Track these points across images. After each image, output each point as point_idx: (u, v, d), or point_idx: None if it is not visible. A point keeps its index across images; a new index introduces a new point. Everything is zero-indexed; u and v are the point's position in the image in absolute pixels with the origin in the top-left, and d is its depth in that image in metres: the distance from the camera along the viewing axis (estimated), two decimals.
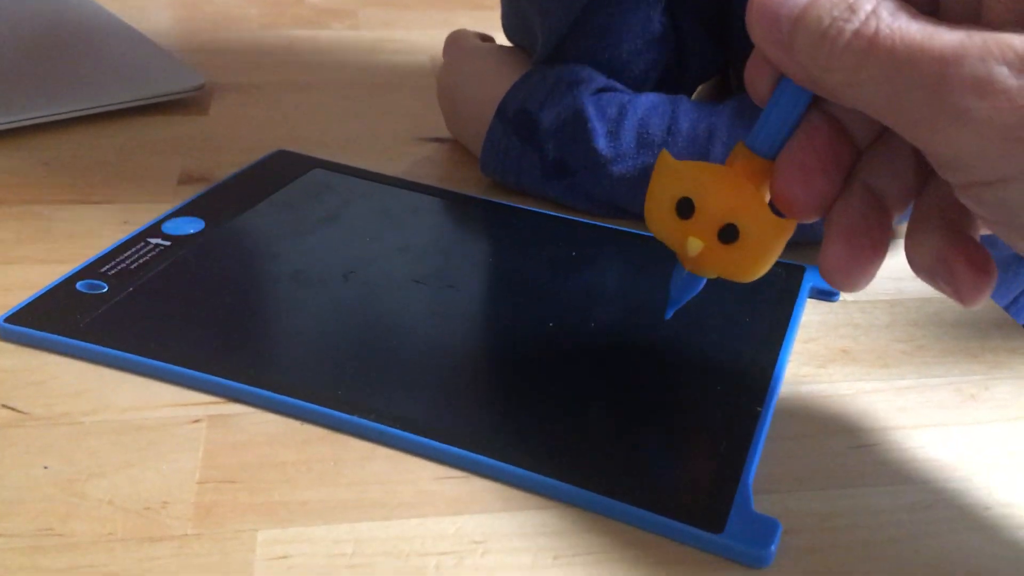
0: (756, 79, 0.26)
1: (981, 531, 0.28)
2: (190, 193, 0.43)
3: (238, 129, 0.52)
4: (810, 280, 0.39)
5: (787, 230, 0.27)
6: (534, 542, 0.27)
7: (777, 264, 0.39)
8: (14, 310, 0.34)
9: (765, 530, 0.27)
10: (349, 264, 0.38)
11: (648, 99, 0.43)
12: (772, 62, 0.25)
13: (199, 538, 0.26)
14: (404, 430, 0.29)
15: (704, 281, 0.30)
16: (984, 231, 0.26)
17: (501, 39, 0.52)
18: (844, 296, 0.39)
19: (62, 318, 0.33)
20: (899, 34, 0.22)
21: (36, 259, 0.39)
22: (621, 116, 0.42)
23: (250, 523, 0.27)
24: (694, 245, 0.28)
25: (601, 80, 0.44)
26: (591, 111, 0.42)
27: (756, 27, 0.24)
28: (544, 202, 0.44)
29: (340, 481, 0.29)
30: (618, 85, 0.44)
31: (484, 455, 0.29)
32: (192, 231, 0.39)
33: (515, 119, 0.44)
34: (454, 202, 0.44)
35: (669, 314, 0.31)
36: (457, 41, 0.52)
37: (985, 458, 0.31)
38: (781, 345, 0.35)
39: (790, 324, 0.36)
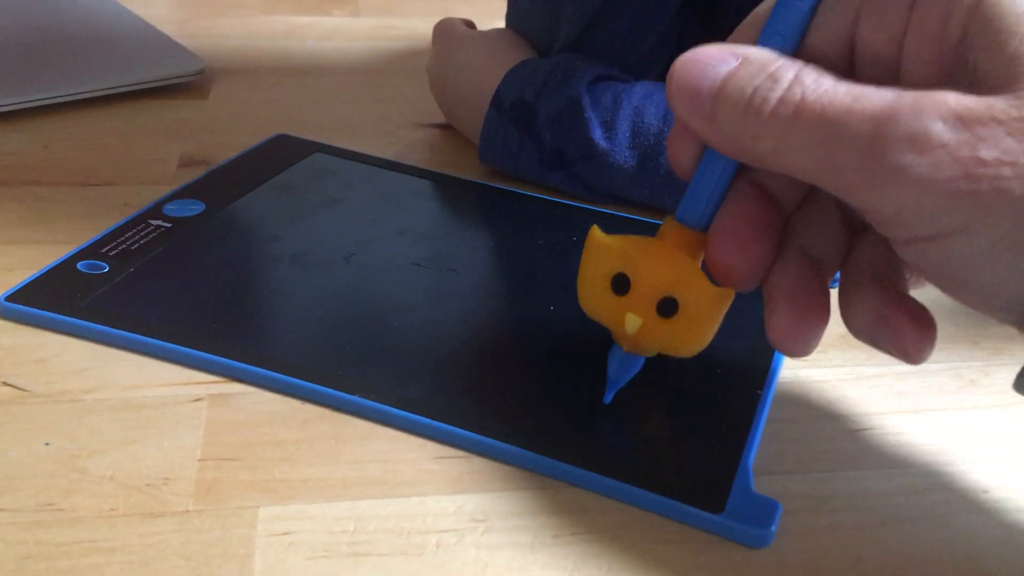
0: (679, 152, 0.26)
1: (978, 514, 0.28)
2: (190, 176, 0.43)
3: (238, 113, 0.52)
4: None
5: (727, 299, 0.27)
6: (534, 520, 0.27)
7: None
8: (15, 289, 0.34)
9: (765, 511, 0.27)
10: (350, 247, 0.38)
11: (643, 88, 0.43)
12: (697, 134, 0.25)
13: (200, 514, 0.26)
14: (404, 410, 0.30)
15: (643, 360, 0.30)
16: (914, 286, 0.27)
17: (485, 26, 0.52)
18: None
19: (63, 297, 0.34)
20: (826, 98, 0.22)
21: (37, 240, 0.39)
22: (616, 106, 0.42)
23: (251, 500, 0.27)
24: (632, 322, 0.28)
25: (597, 68, 0.44)
26: (586, 101, 0.42)
27: (677, 101, 0.24)
28: (544, 188, 0.45)
29: (340, 460, 0.29)
30: (615, 72, 0.44)
31: (484, 435, 0.29)
32: (193, 213, 0.39)
33: (512, 109, 0.44)
34: (454, 186, 0.44)
35: (608, 398, 0.30)
36: (446, 30, 0.52)
37: (983, 443, 0.31)
38: None
39: None
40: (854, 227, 0.27)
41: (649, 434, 0.30)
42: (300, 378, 0.31)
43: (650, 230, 0.42)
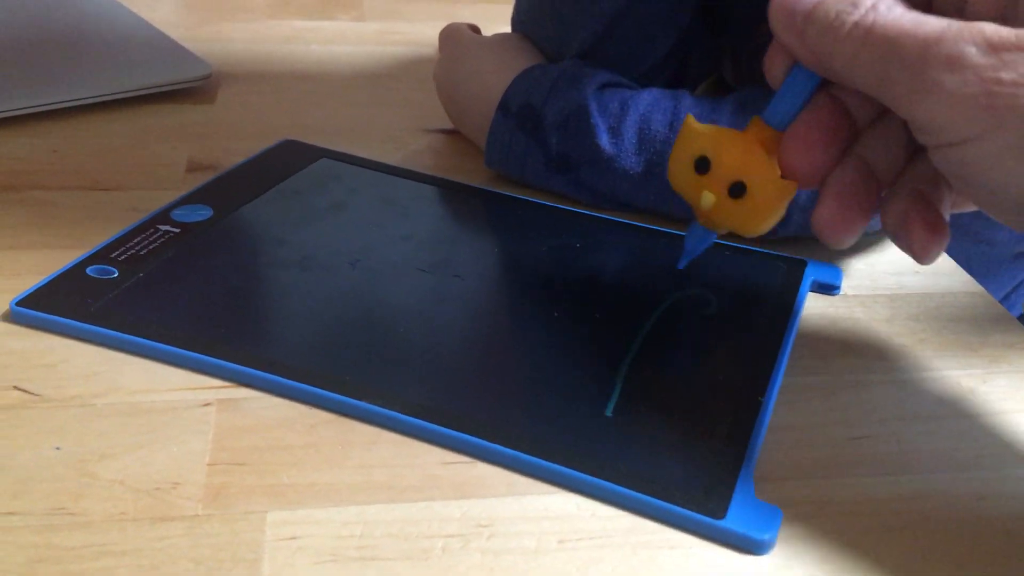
0: (773, 64, 0.30)
1: (977, 522, 0.29)
2: (198, 181, 0.43)
3: (245, 118, 0.52)
4: (812, 274, 0.39)
5: (789, 190, 0.30)
6: (539, 526, 0.27)
7: (779, 258, 0.40)
8: (26, 294, 0.34)
9: (766, 517, 0.27)
10: (356, 252, 0.38)
11: (650, 95, 0.43)
12: (788, 49, 0.29)
13: (209, 519, 0.27)
14: (410, 415, 0.30)
15: (715, 236, 0.33)
16: (950, 208, 0.31)
17: (490, 31, 0.52)
18: (845, 290, 0.40)
19: (73, 302, 0.34)
20: (893, 22, 0.26)
21: (46, 244, 0.39)
22: (623, 113, 0.42)
23: (259, 504, 0.27)
24: (707, 199, 0.31)
25: (604, 75, 0.44)
26: (593, 107, 0.43)
27: (775, 19, 0.29)
28: (549, 194, 0.45)
29: (347, 464, 0.29)
30: (623, 79, 0.45)
31: (489, 440, 0.29)
32: (201, 218, 0.40)
33: (519, 113, 0.44)
34: (459, 192, 0.45)
35: (683, 264, 0.34)
36: (452, 35, 0.52)
37: (982, 450, 0.31)
38: (783, 337, 0.35)
39: (792, 316, 0.36)
40: (914, 150, 0.30)
41: (652, 440, 0.30)
42: (307, 383, 0.31)
43: (654, 236, 0.42)
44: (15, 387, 0.31)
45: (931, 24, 0.26)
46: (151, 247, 0.37)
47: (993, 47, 0.25)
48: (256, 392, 0.32)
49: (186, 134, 0.49)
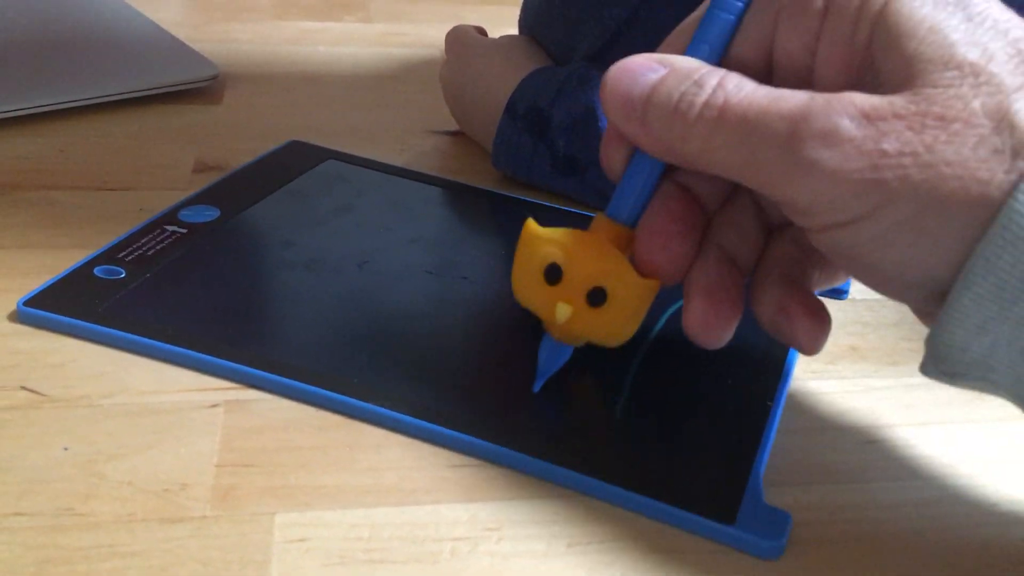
0: (612, 155, 0.29)
1: (987, 527, 0.29)
2: (204, 182, 0.43)
3: (251, 119, 0.52)
4: None
5: (652, 290, 0.29)
6: (548, 529, 0.27)
7: None
8: (33, 294, 0.34)
9: (776, 522, 0.27)
10: (363, 254, 0.38)
11: None
12: (628, 138, 0.27)
13: (218, 520, 0.27)
14: (419, 418, 0.30)
15: (571, 350, 0.31)
16: (819, 285, 0.30)
17: (497, 33, 0.52)
18: (853, 294, 0.40)
19: (80, 302, 0.34)
20: (747, 100, 0.24)
21: (52, 244, 0.39)
22: None
23: (268, 506, 0.27)
24: (563, 310, 0.29)
25: None
26: (600, 109, 0.43)
27: (611, 107, 0.27)
28: (556, 196, 0.45)
29: (356, 467, 0.29)
30: None
31: (498, 443, 0.29)
32: (208, 219, 0.40)
33: (526, 115, 0.44)
34: (466, 194, 0.45)
35: (538, 386, 0.31)
36: (459, 38, 0.52)
37: (992, 455, 0.31)
38: None
39: None
40: (769, 229, 0.30)
41: (661, 445, 0.30)
42: (315, 385, 0.31)
43: None
44: (23, 387, 0.31)
45: (792, 98, 0.24)
46: (158, 247, 0.37)
47: (868, 117, 0.23)
48: (264, 394, 0.31)
49: (192, 135, 0.49)
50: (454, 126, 0.52)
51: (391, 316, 0.35)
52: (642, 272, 0.29)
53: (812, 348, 0.28)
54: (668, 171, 0.28)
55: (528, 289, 0.30)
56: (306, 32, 0.67)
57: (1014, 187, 0.22)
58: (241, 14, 0.69)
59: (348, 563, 0.26)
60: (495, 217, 0.44)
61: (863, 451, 0.31)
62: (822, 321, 0.28)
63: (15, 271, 0.37)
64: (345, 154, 0.47)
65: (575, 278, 0.29)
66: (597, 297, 0.29)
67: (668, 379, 0.33)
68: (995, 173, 0.23)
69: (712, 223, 0.29)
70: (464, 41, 0.51)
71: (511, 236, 0.42)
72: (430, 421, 0.30)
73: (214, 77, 0.54)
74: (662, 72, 0.26)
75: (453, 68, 0.51)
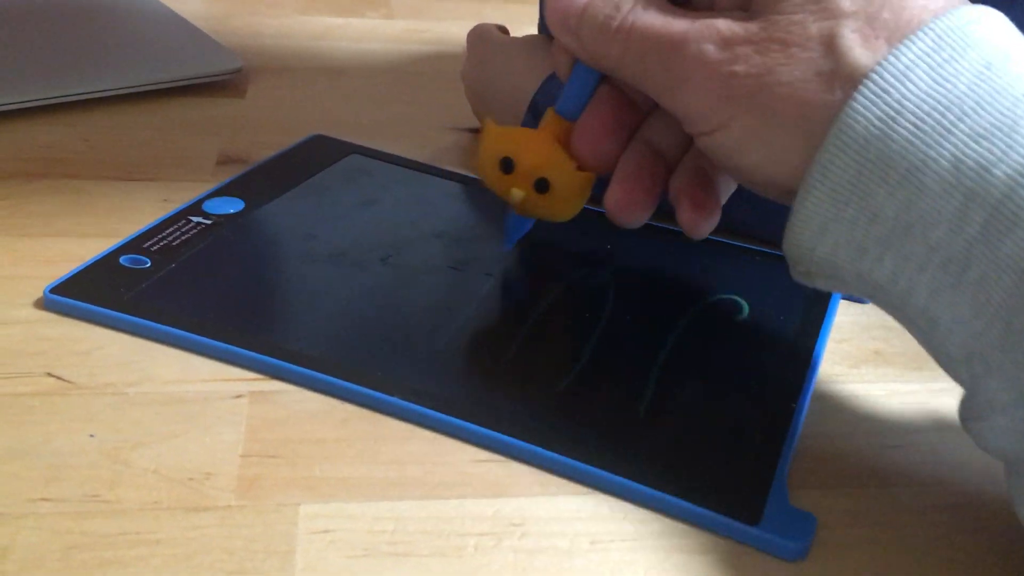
0: (558, 60, 0.33)
1: (1012, 532, 0.28)
2: (228, 174, 0.43)
3: (275, 113, 0.52)
4: None
5: (588, 180, 0.34)
6: (571, 527, 0.27)
7: None
8: (59, 281, 0.34)
9: (801, 524, 0.27)
10: (386, 248, 0.38)
11: None
12: (566, 48, 0.32)
13: (242, 509, 0.27)
14: (444, 412, 0.30)
15: (532, 222, 0.37)
16: (725, 183, 0.33)
17: (518, 32, 0.52)
18: None
19: (106, 291, 0.34)
20: (647, 25, 0.29)
21: (78, 233, 0.39)
22: None
23: (292, 497, 0.27)
24: (516, 195, 0.34)
25: None
26: None
27: (551, 21, 0.31)
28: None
29: (380, 459, 0.29)
30: None
31: (523, 439, 0.29)
32: (232, 210, 0.40)
33: None
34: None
35: (508, 246, 0.38)
36: (482, 36, 0.52)
37: None
38: (815, 344, 0.35)
39: (824, 324, 0.36)
40: None
41: (686, 445, 0.30)
42: (339, 377, 0.31)
43: (683, 239, 0.42)
44: (49, 374, 0.31)
45: (677, 24, 0.28)
46: (184, 238, 0.37)
47: (726, 42, 0.27)
48: (288, 385, 0.32)
49: (217, 127, 0.50)
50: (475, 123, 0.52)
51: (415, 310, 0.35)
52: (578, 164, 0.33)
53: (690, 231, 0.32)
54: (606, 76, 0.32)
55: (489, 176, 0.35)
56: (329, 28, 0.67)
57: (844, 105, 0.25)
58: (265, 9, 0.69)
59: (372, 555, 0.26)
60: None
61: (887, 455, 0.31)
62: (702, 211, 0.32)
63: (41, 259, 0.37)
64: (368, 148, 0.47)
65: (523, 169, 0.34)
66: (542, 185, 0.33)
67: (692, 379, 0.33)
68: (817, 94, 0.26)
69: (645, 121, 0.33)
70: (487, 40, 0.51)
71: (534, 234, 0.42)
72: (455, 416, 0.30)
73: (238, 70, 0.54)
74: None
75: (476, 66, 0.51)
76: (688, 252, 0.41)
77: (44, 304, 0.34)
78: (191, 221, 0.39)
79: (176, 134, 0.48)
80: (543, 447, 0.29)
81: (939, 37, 0.25)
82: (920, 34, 0.25)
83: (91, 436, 0.29)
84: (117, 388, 0.31)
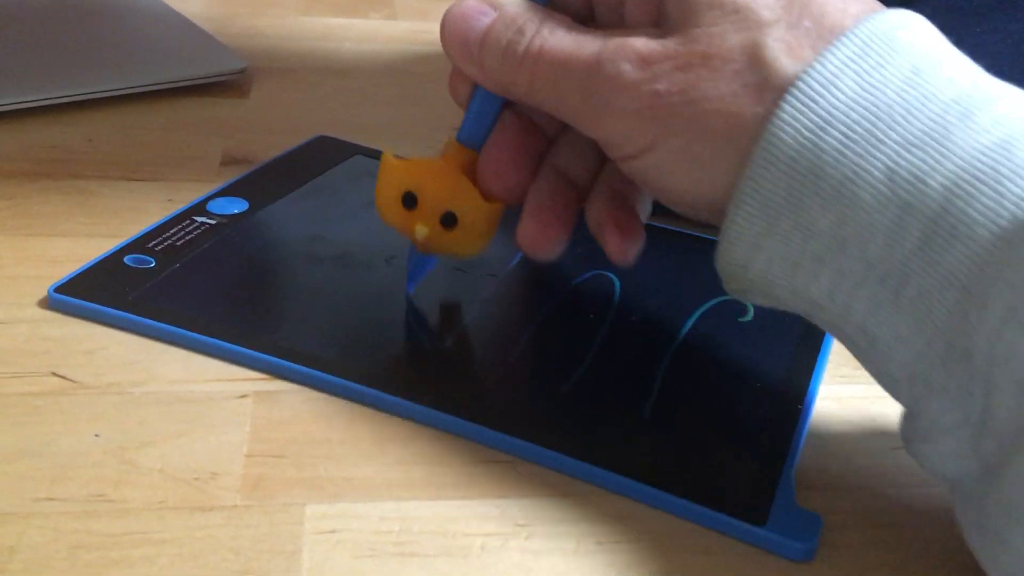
0: (457, 86, 0.31)
1: None
2: (232, 174, 0.43)
3: (278, 113, 0.52)
4: None
5: (496, 212, 0.32)
6: (577, 528, 0.27)
7: None
8: (63, 281, 0.34)
9: (808, 525, 0.27)
10: (391, 249, 0.38)
11: None
12: (469, 76, 0.30)
13: (248, 509, 0.27)
14: (450, 413, 0.30)
15: (436, 259, 0.35)
16: (644, 202, 0.32)
17: None
18: None
19: (110, 290, 0.34)
20: (556, 47, 0.27)
21: (82, 232, 0.39)
22: None
23: (298, 497, 0.27)
24: (421, 231, 0.32)
25: None
26: None
27: (450, 49, 0.30)
28: None
29: (386, 460, 0.29)
30: None
31: (529, 440, 0.29)
32: (237, 211, 0.40)
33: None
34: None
35: (411, 289, 0.35)
36: None
37: None
38: (821, 344, 0.35)
39: None
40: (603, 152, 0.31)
41: (692, 445, 0.30)
42: (344, 377, 0.31)
43: (688, 239, 0.42)
44: (54, 373, 0.31)
45: (589, 45, 0.27)
46: (188, 238, 0.37)
47: (644, 61, 0.26)
48: (292, 385, 0.32)
49: (220, 128, 0.50)
50: None
51: (420, 311, 0.35)
52: (485, 195, 0.32)
53: (619, 259, 0.31)
54: (509, 101, 0.31)
55: (390, 213, 0.33)
56: (332, 28, 0.67)
57: (772, 116, 0.24)
58: (267, 9, 0.69)
59: (378, 555, 0.26)
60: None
61: (894, 456, 0.31)
62: (629, 236, 0.31)
63: (46, 258, 0.37)
64: (372, 150, 0.47)
65: (427, 204, 0.32)
66: (448, 220, 0.32)
67: (697, 380, 0.33)
68: (746, 107, 0.25)
69: (552, 147, 0.32)
70: None
71: None
72: (461, 416, 0.30)
73: (242, 70, 0.54)
74: (492, 16, 0.29)
75: None
76: (693, 253, 0.41)
77: (48, 304, 0.34)
78: (195, 221, 0.39)
79: (180, 134, 0.48)
80: (549, 447, 0.29)
81: (864, 43, 0.24)
82: (845, 39, 0.24)
83: (96, 436, 0.29)
84: (122, 388, 0.31)
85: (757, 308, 0.37)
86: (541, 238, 0.31)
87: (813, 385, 0.33)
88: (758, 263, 0.26)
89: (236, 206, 0.40)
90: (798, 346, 0.35)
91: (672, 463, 0.29)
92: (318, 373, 0.31)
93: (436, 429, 0.30)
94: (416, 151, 0.48)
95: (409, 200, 0.32)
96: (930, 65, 0.24)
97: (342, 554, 0.26)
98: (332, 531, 0.26)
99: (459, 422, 0.30)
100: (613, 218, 0.31)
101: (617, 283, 0.38)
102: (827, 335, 0.36)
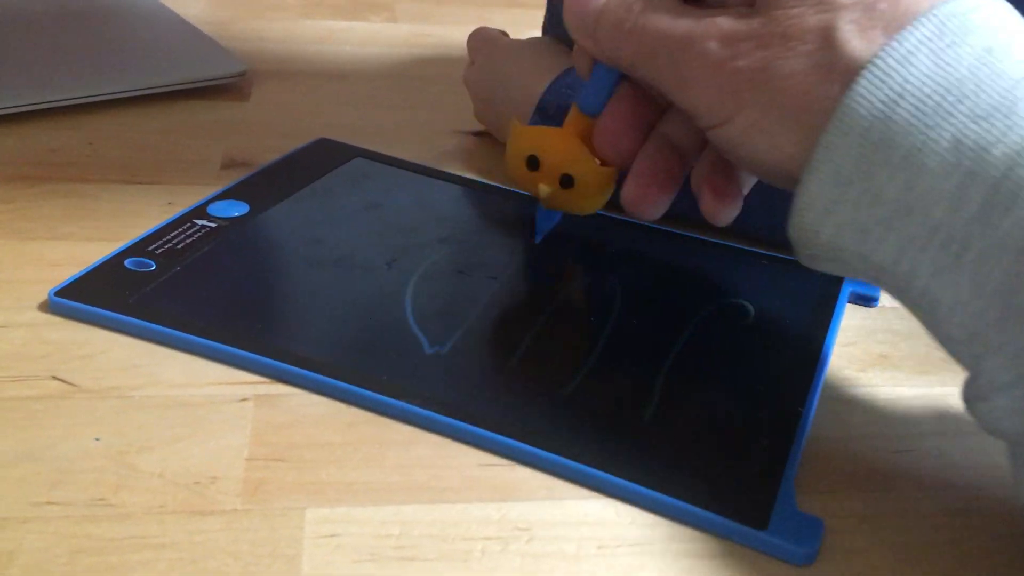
0: (580, 60, 0.34)
1: (1021, 535, 0.28)
2: (233, 177, 0.43)
3: (278, 116, 0.52)
4: (850, 285, 0.39)
5: (610, 176, 0.35)
6: (578, 531, 0.27)
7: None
8: (64, 284, 0.34)
9: (809, 528, 0.27)
10: (391, 252, 0.38)
11: None
12: (585, 48, 0.33)
13: (248, 514, 0.27)
14: (450, 416, 0.30)
15: (560, 214, 0.38)
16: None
17: (520, 36, 0.52)
18: (883, 302, 0.39)
19: (111, 294, 0.34)
20: (654, 25, 0.30)
21: (82, 236, 0.39)
22: None
23: (298, 501, 0.27)
24: (543, 191, 0.35)
25: None
26: None
27: (571, 24, 0.32)
28: None
29: (386, 464, 0.29)
30: None
31: (528, 444, 0.29)
32: (237, 214, 0.40)
33: (556, 116, 0.44)
34: (495, 195, 0.44)
35: (539, 238, 0.39)
36: (486, 40, 0.52)
37: None
38: (822, 348, 0.35)
39: (830, 327, 0.36)
40: None
41: (693, 449, 0.30)
42: (345, 381, 0.31)
43: (690, 242, 0.42)
44: (54, 377, 0.31)
45: (682, 24, 0.29)
46: (188, 241, 0.37)
47: (728, 39, 0.28)
48: (293, 389, 0.31)
49: (221, 131, 0.50)
50: (479, 126, 0.52)
51: (420, 314, 0.35)
52: (600, 160, 0.34)
53: (712, 218, 0.33)
54: (624, 75, 0.33)
55: (517, 173, 0.36)
56: (332, 31, 0.67)
57: (848, 89, 0.26)
58: (268, 12, 0.69)
59: (378, 560, 0.26)
60: (523, 218, 0.44)
61: (894, 459, 0.31)
62: (724, 199, 0.33)
63: (46, 262, 0.37)
64: (372, 152, 0.47)
65: (549, 166, 0.35)
66: (566, 181, 0.35)
67: (699, 383, 0.33)
68: (816, 85, 0.26)
69: (664, 116, 0.34)
70: (492, 43, 0.51)
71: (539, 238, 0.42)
72: (461, 420, 0.30)
73: (242, 74, 0.54)
74: None
75: (482, 69, 0.51)
76: (695, 256, 0.41)
77: (49, 307, 0.34)
78: (196, 224, 0.39)
79: (180, 138, 0.48)
80: (549, 451, 0.29)
81: (941, 23, 0.25)
82: (923, 19, 0.26)
83: (96, 440, 0.29)
84: (122, 391, 0.31)
85: (757, 312, 0.37)
86: (639, 198, 0.33)
87: (814, 388, 0.33)
88: (828, 228, 0.27)
89: (236, 209, 0.40)
90: (799, 349, 0.35)
91: (673, 466, 0.29)
92: (319, 377, 0.31)
93: (436, 433, 0.30)
94: (417, 154, 0.48)
95: (532, 162, 0.35)
96: (1003, 45, 0.25)
97: (342, 558, 0.26)
98: (332, 535, 0.26)
99: (460, 426, 0.30)
100: (710, 182, 0.33)
101: (618, 287, 0.38)
102: (829, 339, 0.35)
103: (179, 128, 0.49)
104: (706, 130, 0.30)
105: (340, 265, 0.37)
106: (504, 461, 0.29)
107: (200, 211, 0.40)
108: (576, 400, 0.31)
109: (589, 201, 0.36)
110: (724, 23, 0.28)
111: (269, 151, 0.46)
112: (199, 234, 0.38)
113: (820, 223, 0.27)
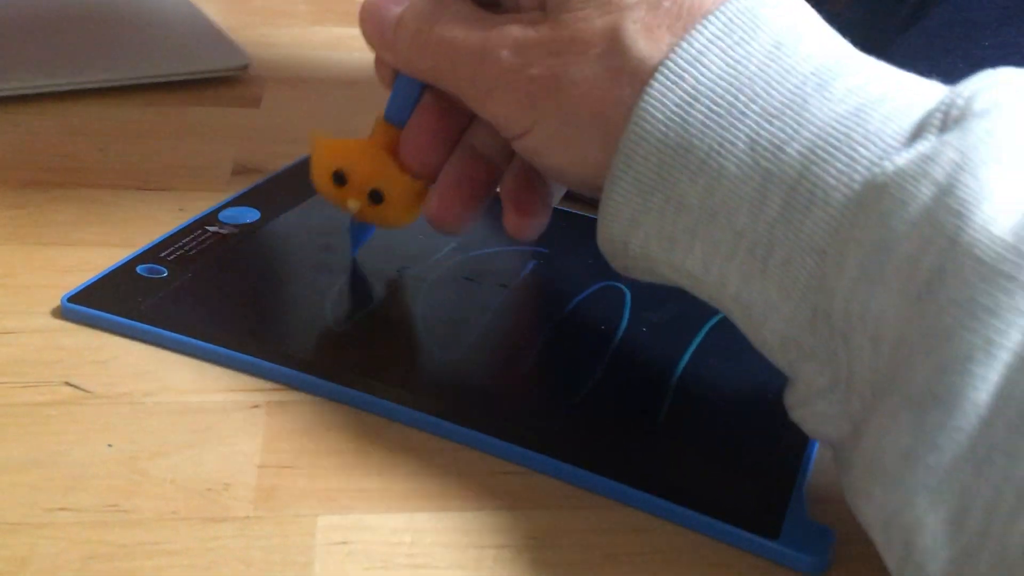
0: (380, 69, 0.34)
1: None
2: (244, 183, 0.44)
3: (289, 122, 0.52)
4: None
5: (421, 189, 0.34)
6: (588, 540, 0.27)
7: None
8: (76, 290, 0.34)
9: (820, 538, 0.27)
10: (402, 260, 0.38)
11: None
12: (385, 60, 0.32)
13: (260, 520, 0.27)
14: (461, 424, 0.30)
15: (374, 227, 0.37)
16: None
17: None
18: None
19: (123, 300, 0.34)
20: (450, 36, 0.29)
21: (94, 242, 0.39)
22: None
23: (310, 508, 0.27)
24: (353, 205, 0.35)
25: None
26: None
27: (368, 35, 0.32)
28: (592, 205, 0.45)
29: (397, 471, 0.29)
30: None
31: (540, 452, 0.29)
32: (248, 220, 0.40)
33: None
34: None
35: (355, 252, 0.38)
36: None
37: None
38: None
39: None
40: None
41: (704, 458, 0.30)
42: (356, 388, 0.31)
43: None
44: (67, 383, 0.31)
45: (476, 34, 0.28)
46: (200, 248, 0.37)
47: (520, 47, 0.27)
48: (304, 396, 0.32)
49: (232, 137, 0.50)
50: None
51: (431, 322, 0.35)
52: (407, 172, 0.33)
53: (514, 234, 0.32)
54: (428, 84, 0.32)
55: (324, 188, 0.35)
56: (342, 38, 0.67)
57: (641, 94, 0.25)
58: (277, 18, 0.70)
59: (390, 568, 0.26)
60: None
61: None
62: (526, 214, 0.32)
63: (58, 267, 0.37)
64: None
65: (356, 182, 0.34)
66: (376, 197, 0.34)
67: (710, 392, 0.33)
68: (609, 90, 0.26)
69: (471, 126, 0.33)
70: None
71: (549, 245, 0.42)
72: (473, 428, 0.30)
73: (244, 67, 0.54)
74: (403, 5, 0.31)
75: None
76: None
77: (61, 313, 0.34)
78: (207, 231, 0.39)
79: (191, 144, 0.49)
80: (561, 459, 0.29)
81: (730, 20, 0.25)
82: (711, 18, 0.25)
83: (109, 446, 0.29)
84: (134, 397, 0.31)
85: None
86: (442, 215, 0.32)
87: None
88: (636, 239, 0.27)
89: (248, 216, 0.40)
90: None
91: (684, 475, 0.29)
92: (330, 384, 0.31)
93: (448, 440, 0.30)
94: None
95: (339, 178, 0.34)
96: (791, 40, 0.25)
97: (354, 566, 0.26)
98: (344, 543, 0.26)
99: (471, 433, 0.30)
100: (513, 195, 0.32)
101: (628, 293, 0.38)
102: None
103: (190, 134, 0.50)
104: (510, 140, 0.29)
105: (351, 272, 0.37)
106: (516, 469, 0.29)
107: (211, 218, 0.40)
108: (587, 408, 0.31)
109: (400, 215, 0.35)
110: (515, 31, 0.27)
111: (280, 157, 0.47)
112: (210, 240, 0.38)
113: (628, 234, 0.27)
